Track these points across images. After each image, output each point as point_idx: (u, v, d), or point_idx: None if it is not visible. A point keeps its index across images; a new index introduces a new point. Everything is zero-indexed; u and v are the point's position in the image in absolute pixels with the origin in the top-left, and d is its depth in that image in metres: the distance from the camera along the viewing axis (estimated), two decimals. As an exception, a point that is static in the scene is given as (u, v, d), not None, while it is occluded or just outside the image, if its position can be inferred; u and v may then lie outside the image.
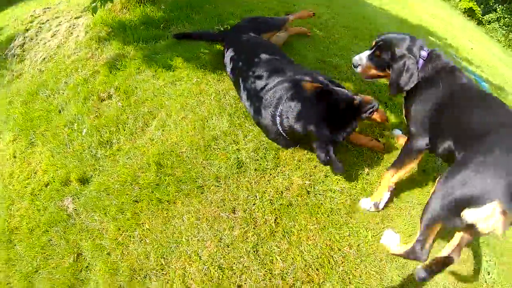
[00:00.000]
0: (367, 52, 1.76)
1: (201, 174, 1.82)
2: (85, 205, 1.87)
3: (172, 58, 2.44)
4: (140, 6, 2.98)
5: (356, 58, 1.77)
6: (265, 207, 1.70)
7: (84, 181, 1.96)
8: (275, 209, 1.70)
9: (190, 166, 1.85)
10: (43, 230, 1.90)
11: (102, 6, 2.47)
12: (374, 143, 1.98)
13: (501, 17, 14.13)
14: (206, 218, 1.70)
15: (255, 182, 1.79)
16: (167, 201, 1.77)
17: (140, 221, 1.74)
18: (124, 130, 2.07)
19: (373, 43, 1.75)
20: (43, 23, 3.37)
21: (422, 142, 1.57)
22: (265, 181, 1.80)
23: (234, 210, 1.71)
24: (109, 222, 1.78)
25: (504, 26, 13.90)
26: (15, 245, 1.95)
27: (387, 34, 1.71)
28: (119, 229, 1.75)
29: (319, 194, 1.77)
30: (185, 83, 2.26)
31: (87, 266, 1.74)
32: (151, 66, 2.40)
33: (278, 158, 1.89)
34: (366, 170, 1.90)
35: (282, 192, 1.76)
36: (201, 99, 2.14)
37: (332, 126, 1.59)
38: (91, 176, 1.96)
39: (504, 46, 12.53)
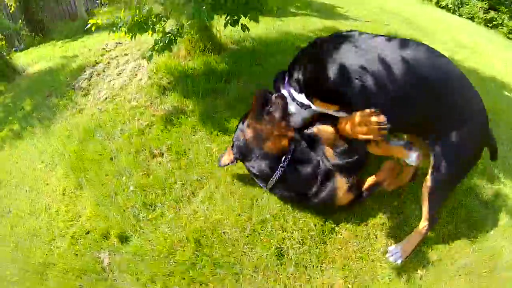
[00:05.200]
0: None
1: (239, 261, 2.27)
2: (119, 264, 2.44)
3: (230, 119, 3.07)
4: (203, 55, 3.73)
5: None
6: None
7: (122, 239, 2.54)
8: None
9: (230, 250, 2.32)
10: (76, 275, 2.47)
11: (161, 53, 3.22)
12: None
13: None
14: None
15: (294, 278, 2.18)
16: (200, 282, 2.23)
17: (170, 295, 2.24)
18: (170, 195, 2.67)
19: None
20: (112, 59, 4.36)
21: None
22: (305, 279, 2.18)
23: None
24: None
25: None
26: (48, 279, 2.54)
27: None
28: (147, 297, 2.27)
29: None
30: None
31: (110, 322, 2.28)
32: (207, 126, 3.04)
33: (324, 253, 2.29)
34: (420, 273, 2.21)
35: None
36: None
37: None
38: (131, 236, 2.55)
39: None
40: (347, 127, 2.00)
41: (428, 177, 2.08)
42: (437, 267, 2.27)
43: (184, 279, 2.25)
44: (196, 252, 2.34)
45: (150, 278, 2.31)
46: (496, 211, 2.67)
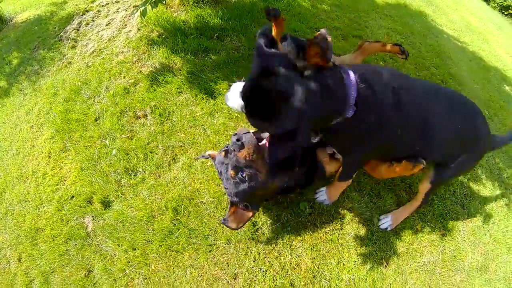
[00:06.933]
0: None
1: (214, 232, 2.47)
2: (103, 230, 2.65)
3: (217, 81, 3.09)
4: (197, 7, 3.66)
5: None
6: (266, 282, 2.28)
7: (105, 204, 2.74)
8: (275, 286, 2.27)
9: (205, 220, 2.51)
10: (63, 240, 2.74)
11: (155, 8, 3.17)
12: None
13: None
14: (208, 277, 2.34)
15: (264, 253, 2.37)
16: (176, 251, 2.45)
17: (148, 261, 2.47)
18: (152, 161, 2.80)
19: None
20: (102, 6, 4.35)
21: None
22: (274, 255, 2.37)
23: (236, 277, 2.32)
24: (120, 253, 2.54)
25: None
26: (38, 244, 2.84)
27: None
28: (129, 262, 2.50)
29: (325, 280, 2.30)
30: (224, 117, 2.91)
31: (94, 284, 2.54)
32: (193, 88, 3.08)
33: (296, 232, 2.46)
34: (385, 262, 2.41)
35: (288, 270, 2.32)
36: (235, 142, 2.74)
37: None
38: (113, 201, 2.74)
39: None
40: None
41: (433, 174, 2.30)
42: (402, 259, 2.50)
43: (162, 246, 2.47)
44: (173, 221, 2.53)
45: (130, 245, 2.53)
46: (470, 212, 2.88)
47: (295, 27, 3.62)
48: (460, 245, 2.70)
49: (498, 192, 3.13)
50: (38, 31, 4.53)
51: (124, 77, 3.41)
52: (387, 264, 2.45)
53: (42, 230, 2.87)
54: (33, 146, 3.34)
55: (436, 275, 2.53)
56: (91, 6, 4.48)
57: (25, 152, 3.34)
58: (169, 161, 2.79)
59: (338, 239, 2.47)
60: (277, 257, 2.36)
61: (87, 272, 2.58)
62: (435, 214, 2.77)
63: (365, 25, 4.16)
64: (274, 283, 2.27)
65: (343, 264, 2.38)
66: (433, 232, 2.68)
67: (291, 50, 2.73)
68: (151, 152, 2.84)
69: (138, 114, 3.07)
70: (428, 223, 2.70)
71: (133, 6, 4.17)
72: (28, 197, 3.07)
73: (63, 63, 3.90)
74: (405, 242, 2.57)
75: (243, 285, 2.28)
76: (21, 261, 2.85)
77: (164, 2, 3.35)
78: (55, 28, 4.41)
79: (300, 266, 2.34)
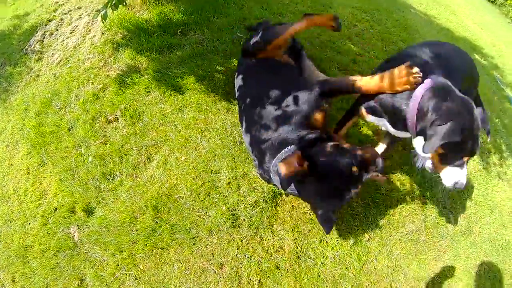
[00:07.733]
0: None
1: (195, 225, 2.55)
2: (89, 237, 2.72)
3: (184, 76, 3.13)
4: (159, 4, 3.68)
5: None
6: (252, 267, 2.37)
7: (88, 212, 2.81)
8: (261, 270, 2.37)
9: (186, 214, 2.59)
10: (53, 253, 2.81)
11: (115, 10, 3.18)
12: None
13: None
14: (195, 270, 2.43)
15: (246, 240, 2.47)
16: (161, 248, 2.53)
17: (136, 261, 2.55)
18: (127, 163, 2.86)
19: None
20: (65, 14, 4.34)
21: None
22: (257, 240, 2.46)
23: (222, 266, 2.41)
24: (108, 258, 2.61)
25: None
26: (29, 261, 2.90)
27: None
28: (118, 265, 2.58)
29: (310, 259, 2.40)
30: (193, 111, 2.96)
31: (88, 292, 2.63)
32: (161, 86, 3.12)
33: (275, 215, 2.54)
34: (367, 236, 2.50)
35: (272, 254, 2.41)
36: (206, 135, 2.84)
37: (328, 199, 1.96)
38: (95, 207, 2.81)
39: None
40: (385, 83, 2.17)
41: None
42: (385, 231, 2.61)
43: (147, 245, 2.55)
44: (155, 219, 2.61)
45: (117, 248, 2.61)
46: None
47: (258, 14, 3.66)
48: (440, 212, 2.80)
49: (475, 157, 3.20)
50: (2, 47, 4.52)
51: (92, 83, 3.44)
52: (370, 237, 2.54)
53: (31, 247, 2.92)
54: (11, 164, 3.38)
55: (420, 243, 2.65)
56: (53, 15, 4.47)
57: (4, 172, 3.38)
58: (144, 161, 2.85)
59: (318, 218, 2.55)
60: (259, 242, 2.45)
61: (80, 282, 2.65)
62: (414, 183, 2.87)
63: (329, 5, 4.19)
64: (260, 267, 2.37)
65: (326, 242, 2.48)
66: (413, 202, 2.78)
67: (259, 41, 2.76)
68: (126, 155, 2.90)
69: (110, 118, 3.12)
70: (407, 192, 2.80)
71: (95, 11, 4.18)
72: (13, 216, 3.11)
73: (31, 77, 3.92)
74: (385, 213, 2.67)
75: (230, 273, 2.37)
76: (15, 281, 2.90)
77: (124, 3, 3.36)
78: (20, 42, 4.41)
79: (283, 248, 2.43)
